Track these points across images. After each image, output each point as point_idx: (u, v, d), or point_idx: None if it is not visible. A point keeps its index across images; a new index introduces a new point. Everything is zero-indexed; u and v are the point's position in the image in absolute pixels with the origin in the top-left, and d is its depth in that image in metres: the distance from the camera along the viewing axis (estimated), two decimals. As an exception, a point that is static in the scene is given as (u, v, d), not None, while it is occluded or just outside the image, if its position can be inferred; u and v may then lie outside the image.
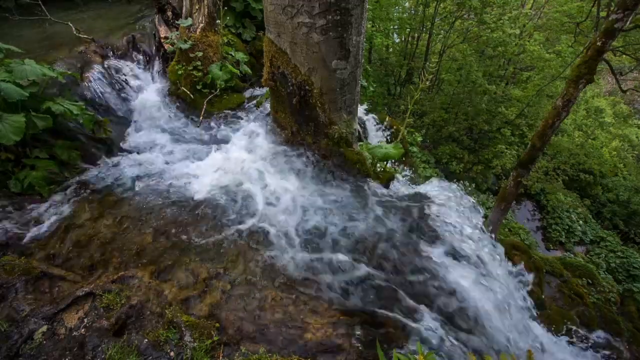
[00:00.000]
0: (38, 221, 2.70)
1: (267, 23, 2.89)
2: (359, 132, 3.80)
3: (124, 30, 4.53)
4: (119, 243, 2.54)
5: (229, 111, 4.18)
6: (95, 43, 4.08)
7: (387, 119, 4.70)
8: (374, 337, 2.08)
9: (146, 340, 1.91)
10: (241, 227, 2.73)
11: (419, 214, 2.87)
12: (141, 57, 4.40)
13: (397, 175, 3.66)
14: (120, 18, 5.09)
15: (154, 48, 4.51)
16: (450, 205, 2.99)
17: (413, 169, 5.13)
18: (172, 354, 1.86)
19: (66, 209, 2.82)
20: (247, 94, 4.50)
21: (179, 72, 4.12)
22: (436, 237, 2.70)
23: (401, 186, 3.51)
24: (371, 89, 9.16)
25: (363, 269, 2.45)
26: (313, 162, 3.26)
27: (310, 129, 3.18)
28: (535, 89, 13.57)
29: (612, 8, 5.09)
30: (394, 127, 4.65)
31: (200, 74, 4.13)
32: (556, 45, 13.35)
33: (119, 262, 2.41)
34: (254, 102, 4.25)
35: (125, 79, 4.07)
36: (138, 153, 3.64)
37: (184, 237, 2.61)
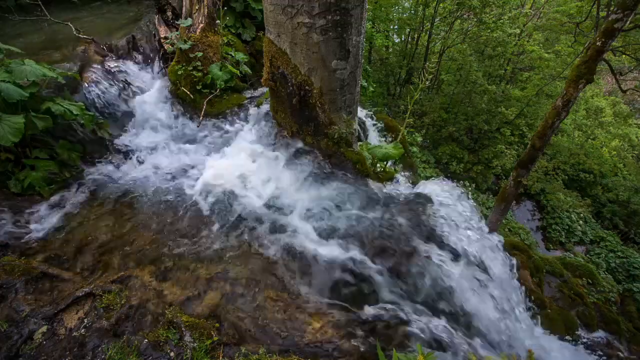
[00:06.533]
0: (38, 221, 2.70)
1: (267, 23, 2.89)
2: (358, 132, 3.80)
3: (124, 31, 4.52)
4: (118, 243, 2.54)
5: (229, 111, 4.18)
6: (95, 43, 4.07)
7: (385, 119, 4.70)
8: (374, 337, 2.08)
9: (146, 340, 1.91)
10: (241, 227, 2.73)
11: (419, 214, 2.87)
12: (141, 57, 4.40)
13: (397, 175, 3.66)
14: (120, 18, 5.09)
15: (154, 48, 4.50)
16: (450, 205, 2.99)
17: (413, 169, 5.13)
18: (172, 354, 1.86)
19: (66, 210, 2.82)
20: (247, 94, 4.50)
21: (179, 72, 4.12)
22: (436, 236, 2.70)
23: (401, 186, 3.51)
24: (371, 89, 9.16)
25: (363, 269, 2.45)
26: (313, 162, 3.26)
27: (310, 129, 3.18)
28: (534, 89, 13.59)
29: (612, 8, 5.09)
30: (390, 126, 4.65)
31: (200, 74, 4.13)
32: (555, 45, 13.36)
33: (119, 262, 2.41)
34: (254, 102, 4.25)
35: (125, 79, 4.07)
36: (138, 154, 3.64)
37: (183, 237, 2.61)
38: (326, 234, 2.69)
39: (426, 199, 3.04)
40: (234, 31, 4.81)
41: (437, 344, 2.14)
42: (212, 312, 2.13)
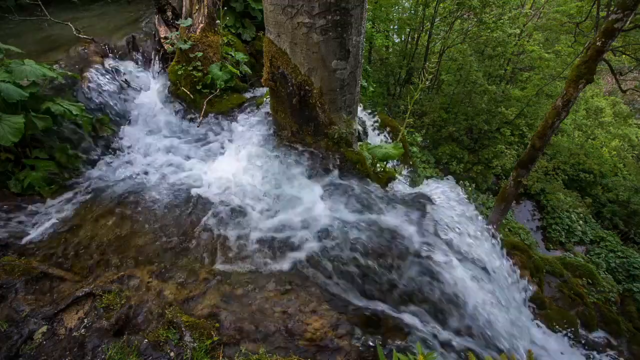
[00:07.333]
0: (38, 221, 2.70)
1: (267, 23, 2.89)
2: (358, 132, 3.80)
3: (124, 31, 4.52)
4: (118, 243, 2.54)
5: (229, 111, 4.18)
6: (95, 43, 4.07)
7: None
8: (374, 337, 2.08)
9: (146, 340, 1.91)
10: (239, 227, 2.73)
11: (419, 214, 2.87)
12: (141, 57, 4.40)
13: (397, 175, 3.66)
14: (120, 18, 5.09)
15: (154, 48, 4.50)
16: (450, 205, 2.99)
17: (413, 169, 5.13)
18: (172, 354, 1.86)
19: (66, 209, 2.82)
20: (247, 94, 4.50)
21: (179, 73, 4.11)
22: (436, 236, 2.70)
23: (401, 186, 3.51)
24: (371, 89, 9.16)
25: (363, 270, 2.45)
26: (313, 162, 3.26)
27: (310, 129, 3.18)
28: (534, 89, 13.61)
29: (612, 8, 5.09)
30: (390, 126, 4.65)
31: (200, 74, 4.13)
32: (555, 45, 13.38)
33: (119, 262, 2.41)
34: (254, 102, 4.25)
35: (125, 79, 4.07)
36: (137, 154, 3.64)
37: (183, 237, 2.61)
38: (326, 235, 2.69)
39: (426, 199, 3.04)
40: (234, 31, 4.80)
41: (437, 344, 2.14)
42: (212, 312, 2.13)
